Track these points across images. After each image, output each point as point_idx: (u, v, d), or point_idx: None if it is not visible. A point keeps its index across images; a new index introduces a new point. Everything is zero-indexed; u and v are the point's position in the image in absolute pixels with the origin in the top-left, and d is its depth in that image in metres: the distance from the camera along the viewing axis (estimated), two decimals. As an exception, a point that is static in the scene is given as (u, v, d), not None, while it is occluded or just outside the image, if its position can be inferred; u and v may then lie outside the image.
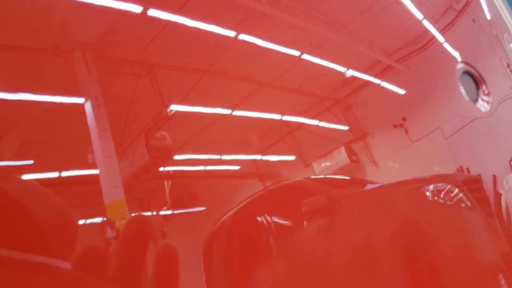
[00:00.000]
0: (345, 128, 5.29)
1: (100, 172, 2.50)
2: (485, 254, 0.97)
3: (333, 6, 3.94)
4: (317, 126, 5.05)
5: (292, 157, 5.45)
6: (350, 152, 5.19)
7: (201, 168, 5.01)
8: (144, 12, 2.55)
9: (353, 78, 4.52)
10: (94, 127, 2.29)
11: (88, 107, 2.21)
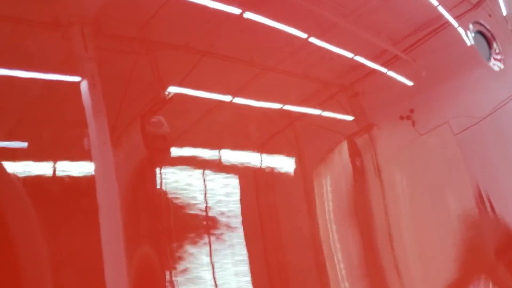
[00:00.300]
0: (350, 118, 5.26)
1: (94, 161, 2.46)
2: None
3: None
4: (319, 116, 5.02)
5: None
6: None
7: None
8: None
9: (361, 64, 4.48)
10: (90, 109, 2.26)
11: (84, 86, 2.18)
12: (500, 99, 0.58)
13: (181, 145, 0.38)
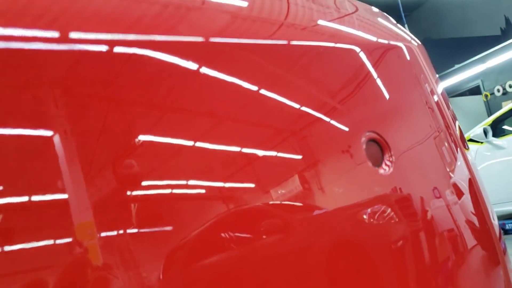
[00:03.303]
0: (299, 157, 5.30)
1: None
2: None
3: None
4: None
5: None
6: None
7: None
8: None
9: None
10: (63, 158, 2.25)
11: (56, 140, 2.18)
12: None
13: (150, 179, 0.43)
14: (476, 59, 11.52)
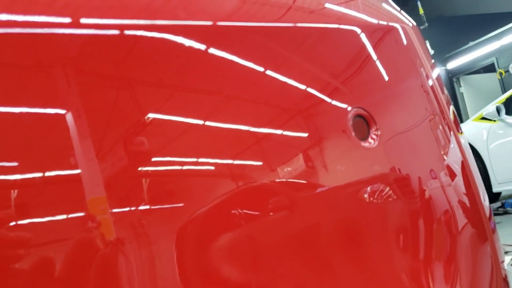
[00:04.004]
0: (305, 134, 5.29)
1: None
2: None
3: None
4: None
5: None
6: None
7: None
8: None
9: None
10: (76, 134, 2.27)
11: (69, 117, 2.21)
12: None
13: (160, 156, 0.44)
14: (491, 36, 11.30)
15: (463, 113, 11.87)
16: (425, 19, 11.15)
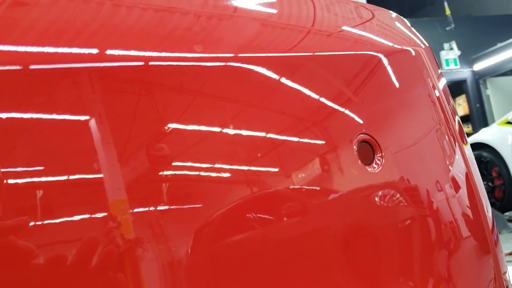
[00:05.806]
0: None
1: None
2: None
3: None
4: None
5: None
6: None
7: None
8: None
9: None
10: (98, 140, 2.33)
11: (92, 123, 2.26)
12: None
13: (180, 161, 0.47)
14: (520, 38, 11.03)
15: (488, 116, 11.63)
16: (451, 20, 10.95)
